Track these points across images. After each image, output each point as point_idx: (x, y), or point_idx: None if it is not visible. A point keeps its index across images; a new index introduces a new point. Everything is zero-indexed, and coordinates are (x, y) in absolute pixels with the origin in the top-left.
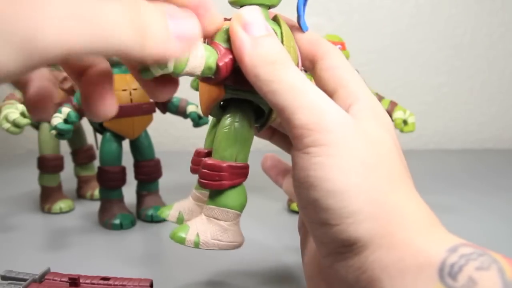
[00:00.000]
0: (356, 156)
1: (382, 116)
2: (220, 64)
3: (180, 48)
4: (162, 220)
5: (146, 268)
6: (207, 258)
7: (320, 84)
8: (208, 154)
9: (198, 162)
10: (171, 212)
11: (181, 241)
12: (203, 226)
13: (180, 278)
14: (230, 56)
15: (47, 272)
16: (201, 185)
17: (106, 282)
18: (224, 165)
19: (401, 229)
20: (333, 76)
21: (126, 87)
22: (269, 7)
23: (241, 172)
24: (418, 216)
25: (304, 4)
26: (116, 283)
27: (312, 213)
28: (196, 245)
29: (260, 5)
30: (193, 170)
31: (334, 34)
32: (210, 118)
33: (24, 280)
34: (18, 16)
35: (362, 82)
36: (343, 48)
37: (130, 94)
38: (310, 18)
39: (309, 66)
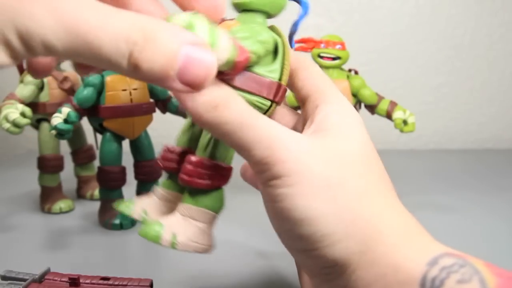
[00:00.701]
0: (317, 179)
1: (351, 119)
2: (240, 59)
3: (181, 89)
4: None
5: (146, 268)
6: (207, 258)
7: (295, 91)
8: (184, 153)
9: (172, 159)
10: (135, 208)
11: (156, 240)
12: (180, 226)
13: (180, 278)
14: (247, 54)
15: (47, 272)
16: (184, 182)
17: (106, 282)
18: (218, 164)
19: (379, 244)
20: (307, 84)
21: (126, 87)
22: (269, 15)
23: (227, 175)
24: (396, 227)
25: (299, 22)
26: (116, 283)
27: (288, 241)
28: (173, 245)
29: (260, 12)
30: (166, 167)
31: (334, 34)
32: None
33: (24, 280)
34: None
35: (333, 86)
36: (343, 48)
37: (130, 94)
38: (310, 19)
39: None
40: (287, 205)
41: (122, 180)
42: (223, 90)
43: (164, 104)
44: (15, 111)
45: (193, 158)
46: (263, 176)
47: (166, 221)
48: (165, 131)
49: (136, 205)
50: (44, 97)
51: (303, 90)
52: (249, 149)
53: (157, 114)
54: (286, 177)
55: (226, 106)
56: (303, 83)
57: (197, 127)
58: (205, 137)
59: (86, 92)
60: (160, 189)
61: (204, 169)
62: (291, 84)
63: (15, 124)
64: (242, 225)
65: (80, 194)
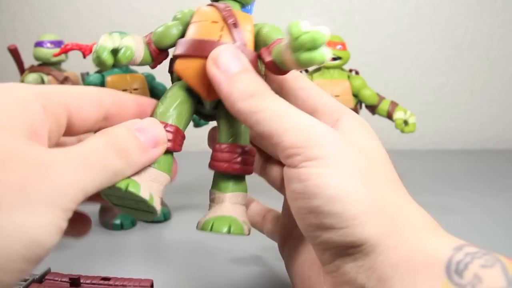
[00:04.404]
0: (351, 165)
1: (369, 127)
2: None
3: (157, 153)
4: (163, 220)
5: (146, 268)
6: (207, 258)
7: (298, 103)
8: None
9: (180, 140)
10: (142, 189)
11: (242, 233)
12: (242, 215)
13: (180, 278)
14: None
15: (47, 272)
16: (225, 170)
17: (106, 282)
18: (246, 149)
19: (406, 229)
20: (311, 95)
21: (126, 87)
22: (242, 5)
23: (254, 157)
24: (419, 217)
25: None
26: (117, 283)
27: (314, 220)
28: (246, 234)
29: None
30: (173, 148)
31: (335, 34)
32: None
33: (25, 280)
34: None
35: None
36: (343, 48)
37: (131, 94)
38: (311, 19)
39: (277, 89)
40: (322, 182)
41: None
42: (259, 82)
43: None
44: None
45: (226, 146)
46: (296, 158)
47: (232, 213)
48: None
49: (143, 186)
50: None
51: (308, 102)
52: (282, 135)
53: None
54: (323, 159)
55: (262, 95)
56: (304, 93)
57: (185, 105)
58: (231, 125)
59: None
60: (159, 171)
61: (239, 154)
62: (287, 95)
63: None
64: None
65: None
